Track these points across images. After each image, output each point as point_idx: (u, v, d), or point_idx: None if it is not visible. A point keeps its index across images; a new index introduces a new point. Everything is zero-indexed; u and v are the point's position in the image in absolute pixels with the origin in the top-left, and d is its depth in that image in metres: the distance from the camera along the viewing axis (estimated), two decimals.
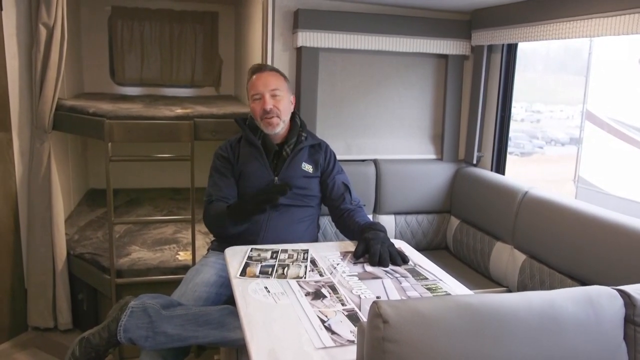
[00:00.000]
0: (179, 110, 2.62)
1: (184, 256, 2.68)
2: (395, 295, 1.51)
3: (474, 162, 2.72)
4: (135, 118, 2.48)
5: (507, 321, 1.03)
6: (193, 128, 2.48)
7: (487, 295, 1.08)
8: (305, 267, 1.69)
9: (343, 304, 1.44)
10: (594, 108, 8.57)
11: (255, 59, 2.82)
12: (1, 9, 2.47)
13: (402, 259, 1.76)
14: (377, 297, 1.49)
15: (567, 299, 1.09)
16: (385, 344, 0.96)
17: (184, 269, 2.43)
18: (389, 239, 1.85)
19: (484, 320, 1.02)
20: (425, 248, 2.73)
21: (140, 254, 2.68)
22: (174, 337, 1.62)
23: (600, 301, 1.11)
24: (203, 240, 2.86)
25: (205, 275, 1.89)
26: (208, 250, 2.15)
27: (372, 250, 1.75)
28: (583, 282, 1.85)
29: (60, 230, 2.68)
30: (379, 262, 1.72)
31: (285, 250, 1.83)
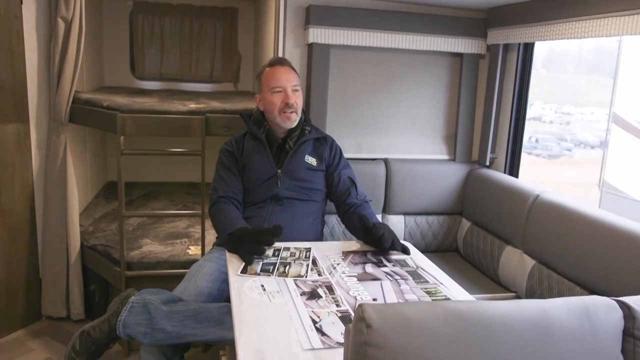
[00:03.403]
0: (192, 105, 2.62)
1: (194, 250, 2.69)
2: (392, 297, 1.48)
3: (487, 163, 2.66)
4: (148, 112, 2.49)
5: (497, 330, 1.00)
6: (204, 123, 2.49)
7: (479, 302, 1.06)
8: (307, 265, 1.68)
9: (338, 305, 1.42)
10: (622, 111, 8.29)
11: (269, 55, 2.81)
12: (21, 3, 2.53)
13: (402, 250, 1.80)
14: (374, 299, 1.47)
15: (561, 308, 1.06)
16: (367, 349, 0.94)
17: (193, 263, 2.44)
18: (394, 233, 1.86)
19: (472, 328, 0.99)
20: (435, 250, 2.69)
21: (151, 247, 2.70)
22: (172, 334, 1.63)
23: (597, 312, 1.07)
24: (214, 235, 2.86)
25: (207, 271, 1.90)
26: (213, 245, 2.16)
27: (375, 230, 1.79)
28: (592, 291, 1.79)
29: (74, 222, 2.73)
30: (380, 241, 1.76)
31: (288, 249, 1.82)
